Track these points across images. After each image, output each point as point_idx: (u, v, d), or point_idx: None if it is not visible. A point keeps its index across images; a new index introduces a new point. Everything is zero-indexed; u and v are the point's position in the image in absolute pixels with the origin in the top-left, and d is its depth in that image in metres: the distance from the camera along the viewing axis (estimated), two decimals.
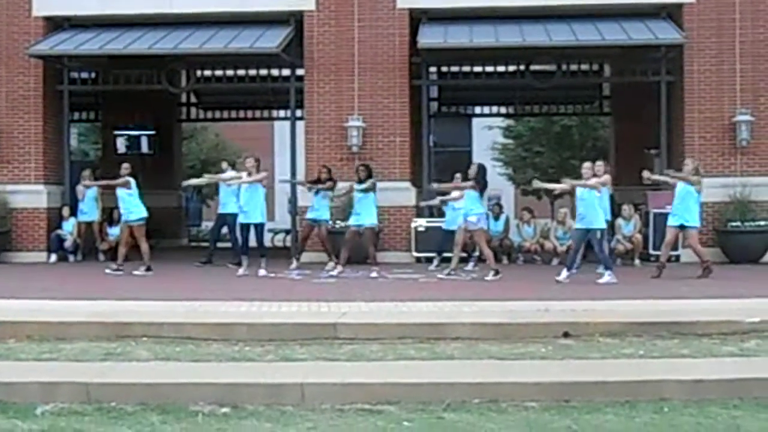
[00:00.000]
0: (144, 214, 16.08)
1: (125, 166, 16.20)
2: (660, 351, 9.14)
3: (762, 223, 17.68)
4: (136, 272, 15.70)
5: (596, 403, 7.46)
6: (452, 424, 7.05)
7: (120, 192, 16.08)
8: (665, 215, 15.92)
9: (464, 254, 16.20)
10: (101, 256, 18.98)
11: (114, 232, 18.85)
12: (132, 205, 16.03)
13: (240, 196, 16.06)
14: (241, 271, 15.74)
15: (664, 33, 18.09)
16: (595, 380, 7.88)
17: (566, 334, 9.73)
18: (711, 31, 18.31)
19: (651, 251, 17.54)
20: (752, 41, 18.23)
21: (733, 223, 17.65)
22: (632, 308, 11.25)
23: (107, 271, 16.00)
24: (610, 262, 14.71)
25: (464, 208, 15.29)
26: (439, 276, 15.18)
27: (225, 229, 18.05)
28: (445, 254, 16.63)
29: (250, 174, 15.79)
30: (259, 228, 16.03)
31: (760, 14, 18.26)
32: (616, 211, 17.24)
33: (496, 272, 14.83)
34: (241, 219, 16.08)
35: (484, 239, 15.53)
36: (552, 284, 14.00)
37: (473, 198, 15.06)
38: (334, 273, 15.70)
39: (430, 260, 17.61)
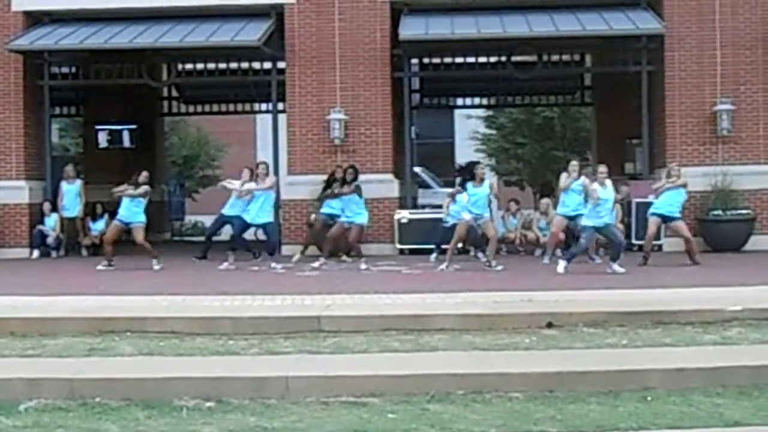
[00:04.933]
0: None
1: (145, 175, 15.95)
2: (643, 340, 9.19)
3: (743, 211, 17.74)
4: (155, 267, 15.72)
5: (580, 393, 7.50)
6: (436, 415, 7.06)
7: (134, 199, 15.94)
8: (647, 204, 16.01)
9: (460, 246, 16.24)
10: (84, 252, 18.96)
11: (96, 227, 18.78)
12: (142, 210, 15.99)
13: (252, 203, 16.15)
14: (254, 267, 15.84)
15: (644, 23, 18.13)
16: (579, 370, 7.92)
17: (550, 325, 9.77)
18: (691, 21, 18.34)
19: (633, 241, 17.59)
20: (732, 30, 18.27)
21: (715, 212, 17.68)
22: (615, 298, 11.29)
23: (99, 267, 15.75)
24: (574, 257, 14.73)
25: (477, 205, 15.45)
26: (441, 268, 15.07)
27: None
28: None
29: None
30: (270, 226, 16.33)
31: (739, 3, 18.28)
32: None
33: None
34: (250, 220, 16.20)
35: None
36: (535, 275, 14.04)
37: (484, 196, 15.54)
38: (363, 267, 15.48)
39: (413, 252, 17.60)
